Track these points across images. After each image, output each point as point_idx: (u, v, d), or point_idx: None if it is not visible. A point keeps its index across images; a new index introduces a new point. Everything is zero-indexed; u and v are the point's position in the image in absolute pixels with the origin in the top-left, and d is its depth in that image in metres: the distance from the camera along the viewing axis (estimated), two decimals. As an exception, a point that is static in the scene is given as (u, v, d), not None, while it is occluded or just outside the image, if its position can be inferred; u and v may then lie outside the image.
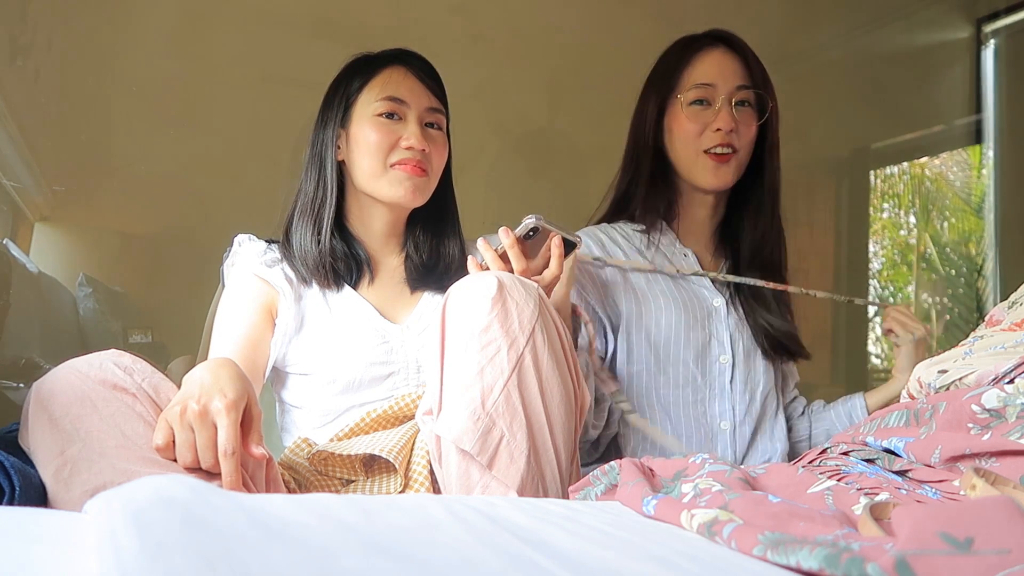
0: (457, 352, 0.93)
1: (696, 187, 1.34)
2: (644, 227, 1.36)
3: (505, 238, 1.05)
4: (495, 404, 0.91)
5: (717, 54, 1.32)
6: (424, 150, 1.19)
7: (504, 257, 1.06)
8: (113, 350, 0.90)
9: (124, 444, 0.82)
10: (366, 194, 1.22)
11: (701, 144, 1.30)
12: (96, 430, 0.82)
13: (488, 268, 1.07)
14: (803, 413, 1.46)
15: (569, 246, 1.08)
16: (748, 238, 1.38)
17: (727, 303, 1.34)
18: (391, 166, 1.19)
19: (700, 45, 1.33)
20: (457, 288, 0.96)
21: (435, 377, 0.96)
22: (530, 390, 0.92)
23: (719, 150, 1.29)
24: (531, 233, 1.06)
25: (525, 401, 0.92)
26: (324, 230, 1.21)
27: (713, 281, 1.35)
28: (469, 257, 1.09)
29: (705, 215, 1.39)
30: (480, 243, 1.09)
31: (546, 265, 1.07)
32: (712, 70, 1.31)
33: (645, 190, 1.36)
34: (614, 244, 1.35)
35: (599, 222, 1.42)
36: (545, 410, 0.93)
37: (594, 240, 1.34)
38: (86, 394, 0.84)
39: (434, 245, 1.28)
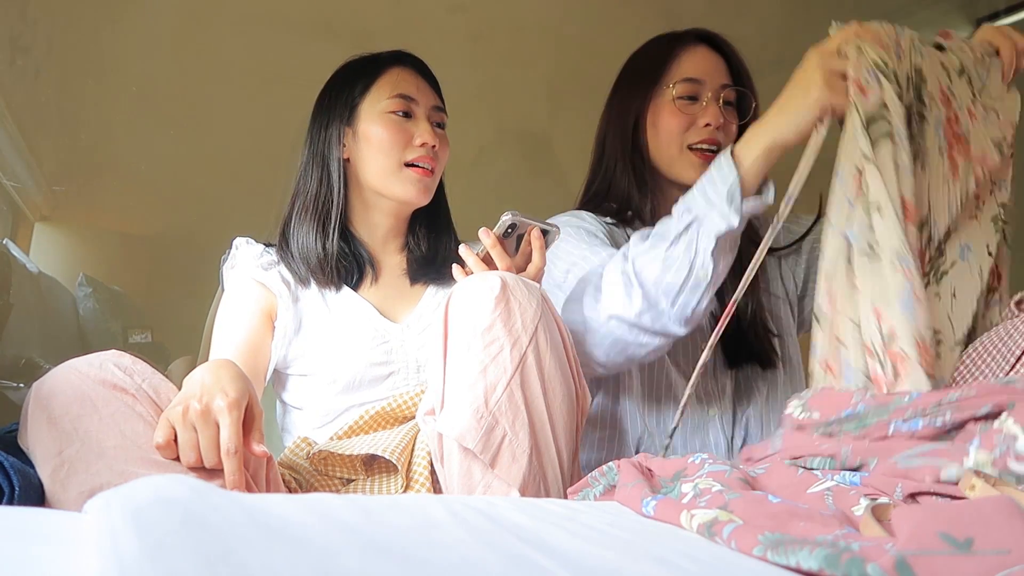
0: (460, 351, 0.93)
1: (677, 183, 1.27)
2: (615, 221, 1.32)
3: (486, 239, 1.06)
4: (498, 403, 0.91)
5: (703, 51, 1.29)
6: (434, 146, 1.21)
7: (487, 259, 1.07)
8: (113, 351, 0.90)
9: (123, 444, 0.82)
10: (375, 192, 1.22)
11: (686, 139, 1.26)
12: (95, 430, 0.82)
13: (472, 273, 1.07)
14: None
15: (547, 236, 1.09)
16: None
17: None
18: (405, 165, 1.20)
19: (685, 41, 1.30)
20: (460, 287, 0.96)
21: (437, 376, 0.96)
22: (533, 389, 0.92)
23: (705, 147, 1.25)
24: (509, 230, 1.07)
25: (528, 400, 0.92)
26: (332, 230, 1.21)
27: None
28: (454, 267, 1.09)
29: None
30: (463, 249, 1.09)
31: (528, 258, 1.08)
32: (700, 66, 1.28)
33: (623, 185, 1.31)
34: (589, 225, 1.30)
35: (579, 208, 1.37)
36: (547, 409, 0.93)
37: (570, 222, 1.29)
38: (86, 394, 0.84)
39: (433, 239, 1.29)
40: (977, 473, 0.61)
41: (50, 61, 1.78)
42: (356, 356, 1.16)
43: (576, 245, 1.23)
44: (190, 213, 1.93)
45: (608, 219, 1.32)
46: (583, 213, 1.31)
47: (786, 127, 0.99)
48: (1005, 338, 0.91)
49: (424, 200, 1.22)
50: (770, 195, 1.05)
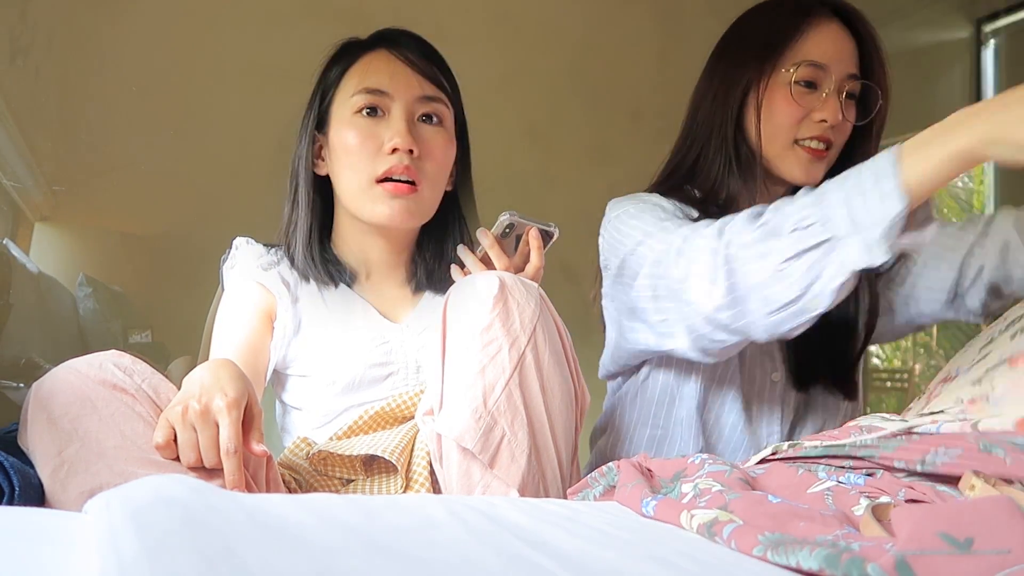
0: (458, 351, 0.93)
1: (778, 178, 1.13)
2: (698, 214, 1.12)
3: (484, 239, 1.05)
4: (496, 403, 0.91)
5: (835, 30, 1.10)
6: (412, 151, 1.05)
7: (485, 259, 1.07)
8: (113, 351, 0.90)
9: (123, 445, 0.82)
10: (354, 217, 1.12)
11: (798, 132, 1.10)
12: (95, 430, 0.82)
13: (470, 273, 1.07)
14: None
15: (546, 236, 1.09)
16: None
17: None
18: (377, 181, 1.05)
19: (816, 15, 1.10)
20: (458, 287, 0.96)
21: (436, 376, 0.96)
22: (531, 389, 0.92)
23: (815, 144, 1.09)
24: (507, 230, 1.07)
25: (526, 400, 0.92)
26: (308, 266, 1.10)
27: None
28: (452, 267, 1.08)
29: None
30: (461, 249, 1.08)
31: (527, 259, 1.08)
32: (827, 49, 1.09)
33: (716, 169, 1.14)
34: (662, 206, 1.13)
35: (651, 191, 1.20)
36: (546, 409, 0.93)
37: (640, 199, 1.14)
38: (86, 394, 0.84)
39: (438, 251, 1.22)
40: (977, 473, 0.61)
41: (50, 61, 1.78)
42: (356, 357, 1.16)
43: (647, 221, 1.06)
44: (190, 213, 1.93)
45: (690, 209, 1.13)
46: (655, 197, 1.14)
47: (1000, 143, 0.72)
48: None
49: (407, 223, 1.09)
50: (932, 228, 0.81)
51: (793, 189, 1.10)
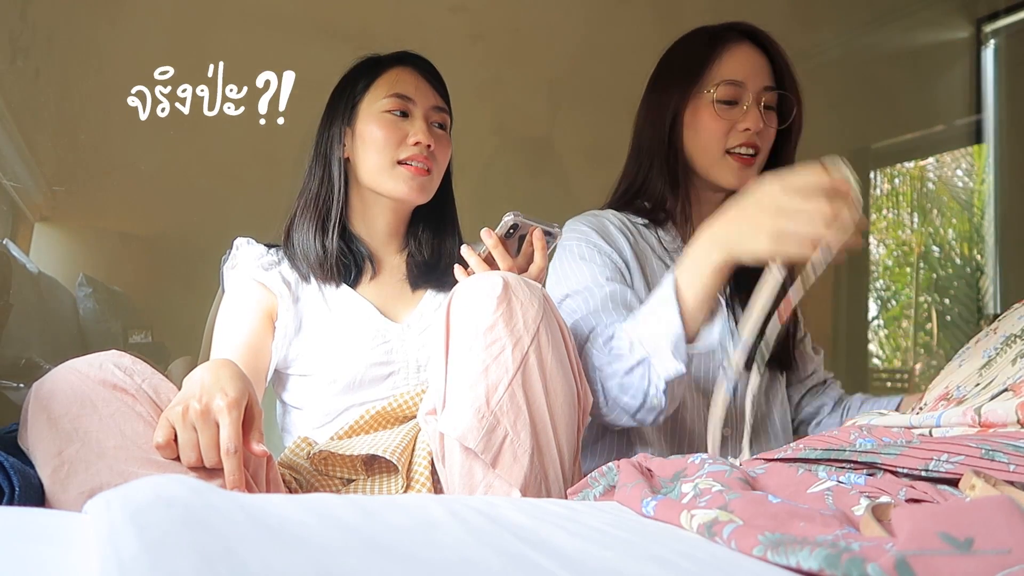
0: (462, 351, 0.93)
1: (714, 187, 1.27)
2: (647, 221, 1.29)
3: (488, 239, 1.06)
4: (499, 402, 0.91)
5: (746, 50, 1.25)
6: (430, 146, 1.21)
7: (489, 259, 1.07)
8: (113, 351, 0.90)
9: (123, 445, 0.82)
10: (371, 190, 1.24)
11: (727, 143, 1.23)
12: (95, 430, 0.82)
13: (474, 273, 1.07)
14: (833, 408, 1.41)
15: (549, 237, 1.09)
16: None
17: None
18: (398, 163, 1.21)
19: (728, 39, 1.25)
20: (462, 287, 0.96)
21: (439, 375, 0.96)
22: (534, 389, 0.92)
23: (744, 151, 1.23)
24: (511, 231, 1.08)
25: (529, 400, 0.92)
26: (331, 227, 1.23)
27: None
28: (456, 267, 1.09)
29: (710, 214, 1.29)
30: (464, 250, 1.09)
31: (530, 259, 1.08)
32: (742, 67, 1.24)
33: (659, 185, 1.28)
34: (607, 232, 1.26)
35: (607, 207, 1.34)
36: (549, 409, 0.93)
37: (590, 224, 1.26)
38: (86, 394, 0.84)
39: (436, 244, 1.29)
40: (977, 473, 0.61)
41: (50, 61, 1.78)
42: (356, 356, 1.16)
43: (578, 269, 1.20)
44: (190, 213, 1.93)
45: (639, 219, 1.30)
46: (607, 213, 1.29)
47: (738, 253, 0.94)
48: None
49: (419, 198, 1.23)
50: (715, 333, 1.01)
51: (729, 195, 1.24)
